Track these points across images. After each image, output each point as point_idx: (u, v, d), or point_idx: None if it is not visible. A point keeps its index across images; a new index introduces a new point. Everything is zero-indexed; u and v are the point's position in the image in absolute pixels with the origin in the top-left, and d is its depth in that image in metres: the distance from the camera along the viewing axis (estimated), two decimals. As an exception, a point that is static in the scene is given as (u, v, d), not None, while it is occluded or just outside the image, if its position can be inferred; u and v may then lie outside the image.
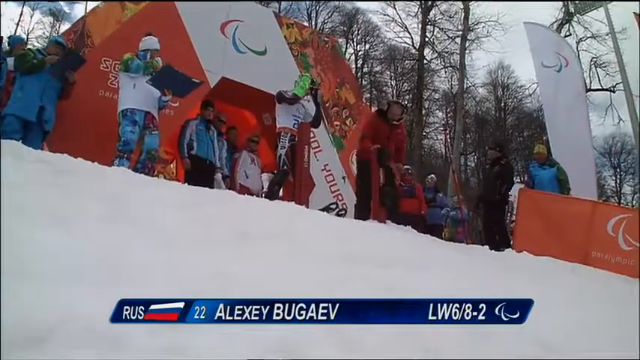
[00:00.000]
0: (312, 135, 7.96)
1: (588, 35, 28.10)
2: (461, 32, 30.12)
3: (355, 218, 6.47)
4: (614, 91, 27.22)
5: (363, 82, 36.38)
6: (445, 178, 25.08)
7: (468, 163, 38.63)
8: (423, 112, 34.66)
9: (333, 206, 6.88)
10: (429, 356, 2.36)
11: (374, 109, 34.12)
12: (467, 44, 30.19)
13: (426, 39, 32.54)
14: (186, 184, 8.06)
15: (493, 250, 7.59)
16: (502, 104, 39.18)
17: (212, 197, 4.36)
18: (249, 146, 9.39)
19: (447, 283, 3.63)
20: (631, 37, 23.60)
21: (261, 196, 10.14)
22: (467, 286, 3.72)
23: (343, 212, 6.98)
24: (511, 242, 10.47)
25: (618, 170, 36.34)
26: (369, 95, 36.41)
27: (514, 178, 10.61)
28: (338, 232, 4.23)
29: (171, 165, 11.30)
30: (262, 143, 9.85)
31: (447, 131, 32.45)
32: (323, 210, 6.58)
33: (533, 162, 10.22)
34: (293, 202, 5.86)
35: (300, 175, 6.25)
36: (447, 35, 32.21)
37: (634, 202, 36.07)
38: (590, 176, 11.02)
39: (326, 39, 11.34)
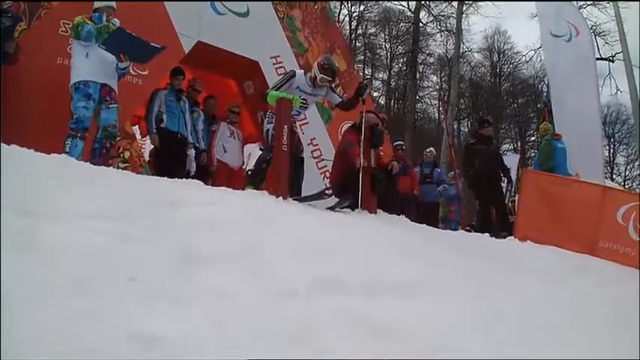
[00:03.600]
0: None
1: (589, 2, 27.14)
2: (458, -1, 29.07)
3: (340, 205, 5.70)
4: (613, 61, 26.42)
5: (357, 44, 35.97)
6: (438, 143, 24.65)
7: (462, 129, 38.34)
8: (418, 76, 34.08)
9: (329, 192, 5.91)
10: None
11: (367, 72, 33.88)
12: (464, 8, 29.14)
13: (422, 2, 31.56)
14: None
15: (494, 238, 6.96)
16: (497, 70, 38.77)
17: (157, 198, 3.52)
18: (229, 117, 8.55)
19: (447, 314, 2.93)
20: (632, 6, 23.02)
21: (246, 174, 9.46)
22: (476, 314, 3.02)
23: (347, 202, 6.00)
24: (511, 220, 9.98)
25: (612, 140, 35.85)
26: (362, 57, 35.88)
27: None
28: (314, 241, 3.41)
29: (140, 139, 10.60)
30: (244, 114, 9.05)
31: (443, 99, 31.67)
32: (315, 197, 5.73)
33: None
34: (266, 193, 5.10)
35: (279, 160, 5.37)
36: (444, -2, 31.21)
37: (627, 172, 36.27)
38: (597, 154, 10.38)
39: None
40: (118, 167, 6.91)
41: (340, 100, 6.62)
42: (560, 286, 4.63)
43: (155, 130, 7.37)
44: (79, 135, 5.75)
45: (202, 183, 4.86)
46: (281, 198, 4.98)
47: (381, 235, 4.37)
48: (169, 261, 2.63)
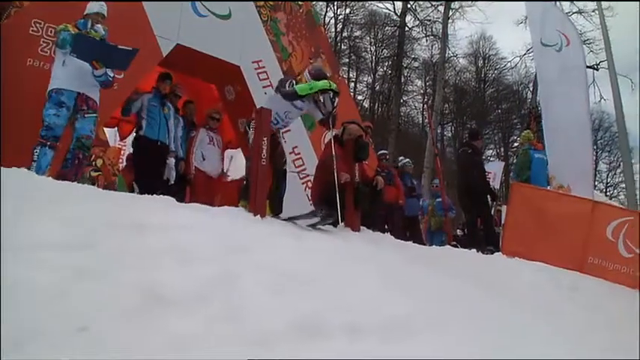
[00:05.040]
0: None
1: (574, 10, 27.32)
2: (444, 1, 28.95)
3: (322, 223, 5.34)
4: (597, 69, 26.46)
5: (342, 46, 35.85)
6: (421, 147, 24.65)
7: (445, 133, 38.50)
8: (402, 80, 33.95)
9: (321, 213, 5.31)
10: None
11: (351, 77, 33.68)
12: (450, 13, 29.05)
13: (408, 6, 31.43)
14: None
15: (481, 254, 6.89)
16: (482, 75, 38.95)
17: (122, 220, 3.17)
18: (209, 123, 8.24)
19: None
20: (617, 15, 23.23)
21: (226, 178, 9.14)
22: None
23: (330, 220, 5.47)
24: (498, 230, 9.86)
25: (594, 147, 36.11)
26: (347, 60, 35.76)
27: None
28: (293, 272, 3.07)
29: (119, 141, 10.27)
30: (224, 120, 8.75)
31: (427, 103, 31.75)
32: (305, 217, 5.26)
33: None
34: (243, 210, 4.77)
35: (258, 176, 5.01)
36: (430, 3, 31.09)
37: (608, 179, 36.85)
38: (587, 165, 10.31)
39: (300, 3, 10.06)
40: (89, 175, 6.59)
41: (322, 117, 6.11)
42: (556, 315, 4.44)
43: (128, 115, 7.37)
44: (48, 144, 5.44)
45: (174, 200, 4.52)
46: (259, 216, 4.68)
47: (364, 260, 4.06)
48: (129, 303, 2.31)
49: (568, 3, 27.30)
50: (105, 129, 8.49)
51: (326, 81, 5.80)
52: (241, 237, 3.52)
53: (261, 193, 4.97)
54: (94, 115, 5.82)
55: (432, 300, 3.48)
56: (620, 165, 32.06)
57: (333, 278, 3.26)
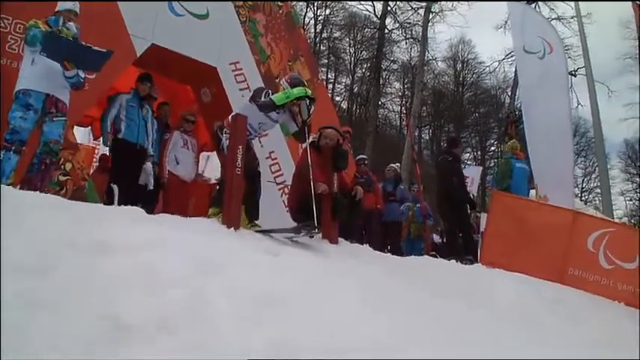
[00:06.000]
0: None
1: (554, 17, 27.52)
2: (425, 4, 28.98)
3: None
4: (575, 75, 26.71)
5: (322, 47, 35.82)
6: (399, 149, 24.66)
7: (423, 136, 38.62)
8: (381, 82, 33.99)
9: (308, 227, 5.08)
10: None
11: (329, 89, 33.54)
12: (430, 16, 29.08)
13: (389, 8, 31.43)
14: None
15: (460, 264, 6.75)
16: (460, 79, 39.18)
17: (84, 237, 2.91)
18: (183, 126, 7.96)
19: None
20: (595, 22, 23.52)
21: (202, 179, 8.89)
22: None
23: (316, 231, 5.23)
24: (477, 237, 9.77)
25: (572, 152, 36.35)
26: (326, 61, 35.71)
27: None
28: (268, 293, 2.89)
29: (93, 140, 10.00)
30: (199, 122, 8.50)
31: (406, 106, 31.79)
32: (290, 231, 5.06)
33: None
34: (216, 222, 4.56)
35: (232, 186, 4.77)
36: (410, 6, 31.13)
37: (584, 184, 37.21)
38: (567, 169, 10.30)
39: (280, 4, 9.81)
40: (57, 180, 6.32)
41: (296, 128, 5.99)
42: (538, 327, 4.34)
43: (109, 130, 6.93)
44: (13, 148, 5.11)
45: (143, 211, 4.28)
46: (232, 229, 4.46)
47: (342, 275, 3.87)
48: (88, 335, 2.09)
49: (547, 9, 27.54)
50: (78, 128, 8.25)
51: (301, 88, 5.63)
52: (213, 254, 3.29)
53: (236, 204, 4.74)
54: (64, 118, 5.51)
55: (412, 315, 3.34)
56: (595, 170, 32.48)
57: (311, 297, 3.08)
